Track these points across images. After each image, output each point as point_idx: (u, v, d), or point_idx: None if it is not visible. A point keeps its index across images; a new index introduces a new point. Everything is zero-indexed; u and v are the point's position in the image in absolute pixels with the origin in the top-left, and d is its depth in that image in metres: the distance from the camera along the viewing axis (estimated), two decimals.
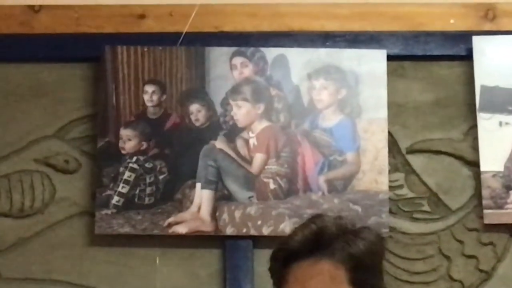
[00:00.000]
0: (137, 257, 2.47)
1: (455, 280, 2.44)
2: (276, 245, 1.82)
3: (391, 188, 2.45)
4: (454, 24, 2.51)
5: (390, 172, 2.46)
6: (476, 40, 2.48)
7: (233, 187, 2.46)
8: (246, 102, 2.49)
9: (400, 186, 2.48)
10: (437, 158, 2.49)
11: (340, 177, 2.46)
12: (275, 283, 1.80)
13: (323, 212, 2.38)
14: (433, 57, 2.51)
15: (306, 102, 2.49)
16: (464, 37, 2.50)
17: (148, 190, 2.46)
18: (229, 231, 2.43)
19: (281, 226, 2.41)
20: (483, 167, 2.43)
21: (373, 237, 1.77)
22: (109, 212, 2.44)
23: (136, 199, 2.46)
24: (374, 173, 2.45)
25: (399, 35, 2.51)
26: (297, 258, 1.72)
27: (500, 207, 2.41)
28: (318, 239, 1.72)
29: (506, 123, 2.45)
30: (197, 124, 2.50)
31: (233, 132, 2.48)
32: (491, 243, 2.45)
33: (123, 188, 2.45)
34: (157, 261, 2.46)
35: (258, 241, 2.43)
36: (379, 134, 2.46)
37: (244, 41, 2.51)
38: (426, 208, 2.48)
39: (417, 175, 2.49)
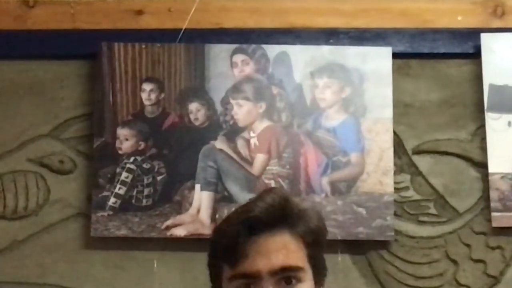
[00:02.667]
0: (134, 261, 2.43)
1: (462, 285, 2.40)
2: (232, 216, 1.66)
3: (396, 190, 2.42)
4: (461, 21, 2.48)
5: (395, 173, 2.42)
6: (485, 38, 2.44)
7: (234, 188, 2.42)
8: (247, 101, 2.45)
9: (406, 188, 2.44)
10: (444, 159, 2.46)
11: (343, 178, 2.42)
12: (228, 259, 1.61)
13: (325, 214, 2.35)
14: (440, 55, 2.48)
15: (309, 101, 2.45)
16: (472, 35, 2.46)
17: (146, 191, 2.42)
18: None
19: None
20: (491, 169, 2.39)
21: (320, 216, 1.71)
22: (105, 214, 2.40)
23: (133, 201, 2.42)
24: (379, 175, 2.41)
25: (405, 32, 2.48)
26: (261, 229, 1.60)
27: (509, 209, 2.37)
28: (283, 208, 1.62)
29: None
30: (197, 123, 2.46)
31: (234, 132, 2.44)
32: (499, 247, 2.41)
33: (120, 189, 2.42)
34: (155, 265, 2.42)
35: None
36: (384, 134, 2.42)
37: (245, 38, 2.48)
38: (432, 210, 2.44)
39: (423, 176, 2.45)
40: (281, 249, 1.60)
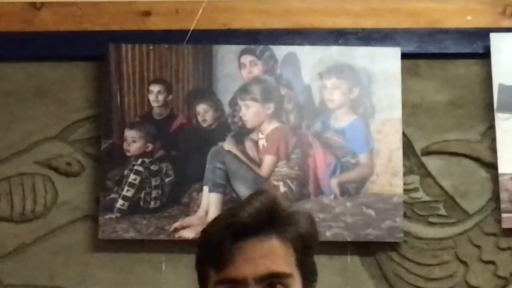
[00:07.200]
0: (142, 263, 2.41)
1: (472, 287, 2.38)
2: (219, 219, 1.62)
3: (405, 191, 2.40)
4: (471, 21, 2.47)
5: (404, 174, 2.41)
6: (494, 38, 2.43)
7: (242, 190, 2.40)
8: (255, 102, 2.44)
9: (415, 189, 2.43)
10: (454, 160, 2.44)
11: (352, 179, 2.40)
12: (214, 264, 1.57)
13: (334, 215, 2.34)
14: (449, 55, 2.47)
15: (317, 102, 2.44)
16: (481, 35, 2.45)
17: (154, 193, 2.41)
18: None
19: None
20: (501, 169, 2.38)
21: (312, 220, 1.65)
22: (113, 216, 2.39)
23: (141, 203, 2.41)
24: (388, 176, 2.39)
25: (414, 32, 2.47)
26: (247, 234, 1.55)
27: None
28: (270, 213, 1.57)
29: None
30: (205, 125, 2.44)
31: (242, 133, 2.43)
32: (509, 248, 2.39)
33: (127, 192, 2.41)
34: (163, 267, 2.41)
35: None
36: (393, 135, 2.41)
37: (253, 38, 2.47)
38: (442, 212, 2.42)
39: (433, 177, 2.43)
40: (268, 255, 1.56)
